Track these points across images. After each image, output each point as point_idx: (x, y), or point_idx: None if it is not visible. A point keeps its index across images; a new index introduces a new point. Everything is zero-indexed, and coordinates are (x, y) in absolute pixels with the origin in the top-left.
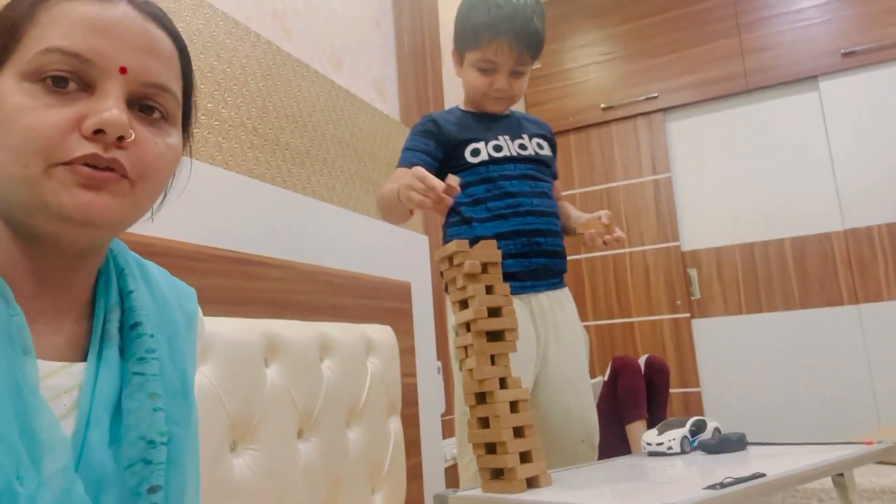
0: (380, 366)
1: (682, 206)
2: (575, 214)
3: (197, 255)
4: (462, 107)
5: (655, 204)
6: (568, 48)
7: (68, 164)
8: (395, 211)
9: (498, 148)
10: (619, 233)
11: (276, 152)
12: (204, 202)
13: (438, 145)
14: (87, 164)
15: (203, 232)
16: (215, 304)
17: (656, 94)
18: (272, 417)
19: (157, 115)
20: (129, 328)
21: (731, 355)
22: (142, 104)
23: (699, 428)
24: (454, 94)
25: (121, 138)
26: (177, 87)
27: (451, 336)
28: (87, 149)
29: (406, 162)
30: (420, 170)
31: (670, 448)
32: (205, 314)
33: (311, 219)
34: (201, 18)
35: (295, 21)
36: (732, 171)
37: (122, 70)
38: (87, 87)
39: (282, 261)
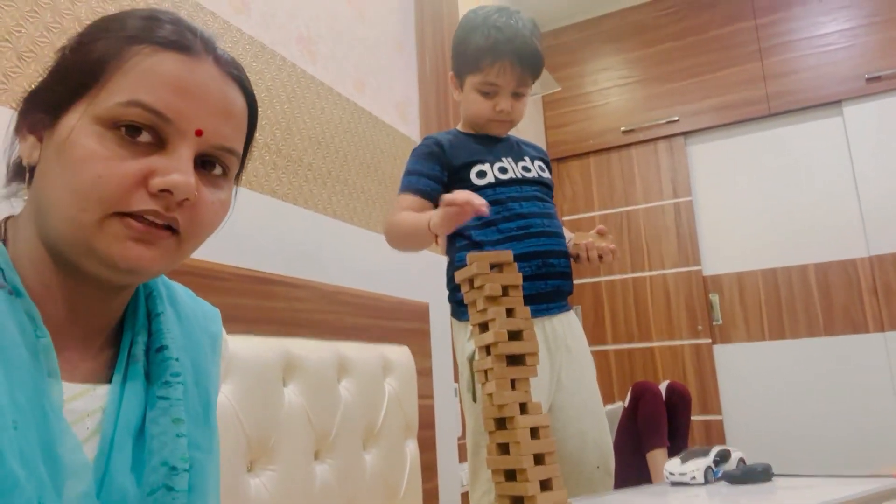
0: (397, 387)
1: (703, 230)
2: (569, 236)
3: (219, 273)
4: (461, 129)
5: (676, 227)
6: (588, 72)
7: (125, 215)
8: (416, 240)
9: (503, 170)
10: (610, 243)
11: (299, 173)
12: (227, 222)
13: (443, 169)
14: (143, 217)
15: (225, 251)
16: (236, 322)
17: (677, 118)
18: (289, 438)
19: (217, 171)
20: (154, 351)
21: (753, 382)
22: (204, 160)
23: (723, 458)
24: None
25: (185, 199)
26: (241, 145)
27: (463, 365)
28: (150, 205)
29: (411, 187)
30: (462, 195)
31: (693, 478)
32: (226, 332)
33: (331, 239)
34: (229, 41)
35: (320, 45)
36: (755, 196)
37: (199, 133)
38: (160, 141)
39: (302, 280)
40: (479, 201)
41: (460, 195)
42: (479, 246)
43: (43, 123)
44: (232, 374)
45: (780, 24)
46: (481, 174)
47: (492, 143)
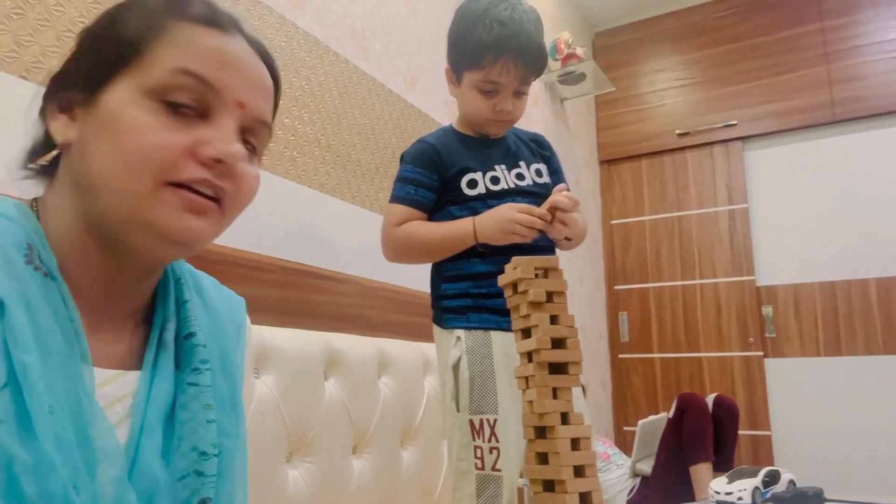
0: (436, 386)
1: (758, 238)
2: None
3: (266, 265)
4: (456, 127)
5: (730, 235)
6: (644, 72)
7: (177, 185)
8: (448, 249)
9: (495, 180)
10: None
11: (347, 168)
12: (275, 214)
13: (439, 176)
14: (193, 189)
15: (273, 243)
16: (280, 314)
17: (735, 122)
18: (328, 431)
19: (250, 147)
20: (183, 338)
21: (805, 399)
22: (242, 137)
23: (772, 479)
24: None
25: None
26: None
27: (446, 373)
28: (200, 173)
29: (409, 199)
30: (524, 208)
31: (740, 499)
32: (270, 324)
33: (376, 235)
34: (284, 36)
35: (373, 41)
36: (814, 205)
37: (242, 105)
38: (203, 114)
39: (346, 275)
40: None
41: (527, 219)
42: (468, 256)
43: (77, 101)
44: (274, 365)
45: (848, 27)
46: (472, 184)
47: (487, 146)
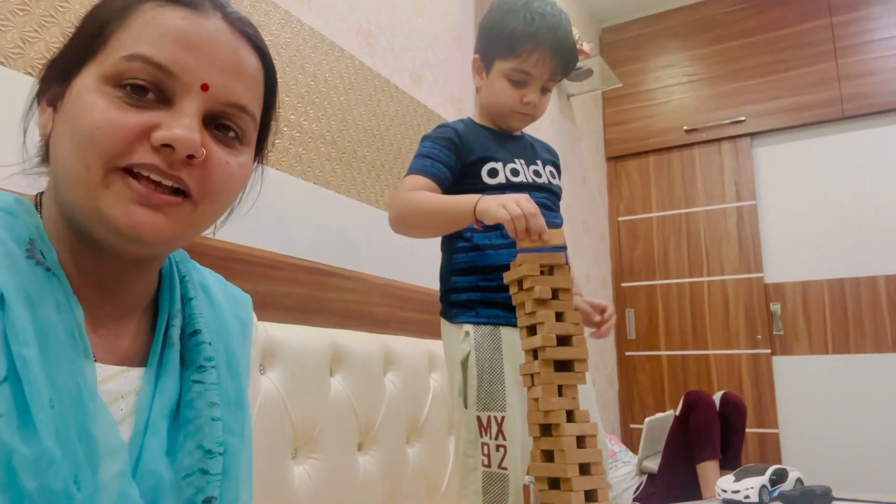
0: (442, 383)
1: (767, 235)
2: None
3: (274, 262)
4: (476, 119)
5: (738, 232)
6: (651, 68)
7: (127, 170)
8: (445, 221)
9: (515, 172)
10: (608, 320)
11: (353, 165)
12: (282, 211)
13: (458, 159)
14: (147, 177)
15: (279, 240)
16: (288, 311)
17: (743, 118)
18: (334, 427)
19: (231, 134)
20: (188, 335)
21: (814, 397)
22: (218, 122)
23: (780, 477)
24: None
25: (190, 156)
26: (257, 107)
27: (454, 368)
28: (151, 159)
29: (426, 170)
30: (534, 205)
31: (747, 497)
32: (277, 321)
33: (383, 232)
34: (289, 32)
35: (379, 37)
36: (823, 202)
37: (204, 87)
38: (166, 99)
39: (353, 272)
40: (545, 234)
41: (533, 212)
42: (480, 249)
43: (58, 93)
44: (280, 362)
45: (858, 23)
46: (493, 173)
47: (505, 140)
